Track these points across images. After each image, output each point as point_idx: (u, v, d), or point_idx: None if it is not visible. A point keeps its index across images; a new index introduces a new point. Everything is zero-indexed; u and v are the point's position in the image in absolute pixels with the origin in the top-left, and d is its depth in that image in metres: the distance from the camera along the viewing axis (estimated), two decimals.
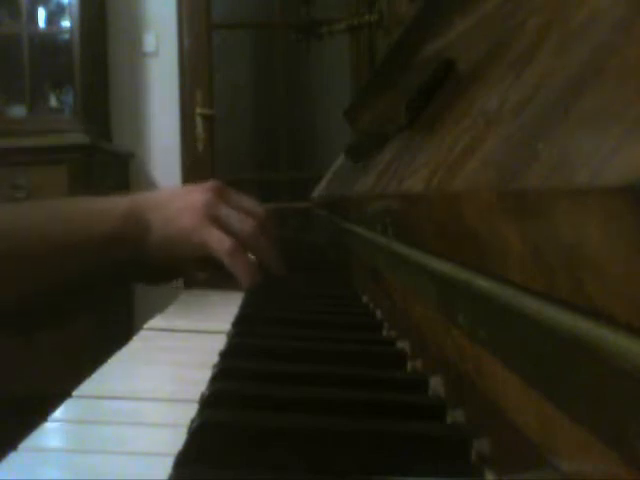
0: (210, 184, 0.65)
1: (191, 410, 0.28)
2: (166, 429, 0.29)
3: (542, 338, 0.18)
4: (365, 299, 0.56)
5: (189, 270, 0.68)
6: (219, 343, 0.39)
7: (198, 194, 0.64)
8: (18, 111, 2.64)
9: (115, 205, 0.64)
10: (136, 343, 0.44)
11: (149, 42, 2.86)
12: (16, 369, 2.06)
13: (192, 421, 0.26)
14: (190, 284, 0.70)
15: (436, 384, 0.31)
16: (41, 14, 2.70)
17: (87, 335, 2.24)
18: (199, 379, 0.32)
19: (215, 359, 0.35)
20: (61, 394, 0.31)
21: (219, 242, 0.61)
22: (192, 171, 2.88)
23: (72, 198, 0.73)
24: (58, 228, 0.62)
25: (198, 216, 0.62)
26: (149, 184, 2.90)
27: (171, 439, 0.26)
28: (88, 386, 0.33)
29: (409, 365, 0.36)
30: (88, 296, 0.71)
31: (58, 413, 0.29)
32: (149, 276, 0.70)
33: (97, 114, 2.70)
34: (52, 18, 2.74)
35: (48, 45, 2.73)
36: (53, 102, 2.73)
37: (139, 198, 0.65)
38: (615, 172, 0.15)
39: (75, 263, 0.62)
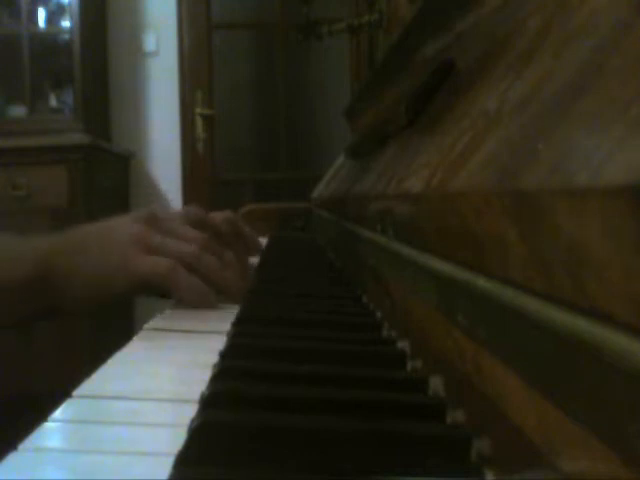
0: (139, 215, 0.59)
1: (191, 410, 0.28)
2: (166, 429, 0.29)
3: (542, 338, 0.18)
4: (365, 299, 0.56)
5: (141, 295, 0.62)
6: (219, 343, 0.39)
7: (125, 227, 0.58)
8: (18, 111, 2.64)
9: (34, 247, 0.60)
10: (136, 343, 0.44)
11: (149, 42, 2.86)
12: (16, 369, 2.06)
13: (192, 421, 0.26)
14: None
15: (436, 384, 0.31)
16: (41, 14, 2.70)
17: (87, 335, 2.24)
18: (199, 379, 0.32)
19: (215, 359, 0.35)
20: (61, 394, 0.31)
21: (154, 266, 0.54)
22: (192, 171, 2.89)
23: None
24: None
25: (127, 249, 0.56)
26: (149, 184, 2.90)
27: (171, 439, 0.26)
28: (88, 386, 0.33)
29: (409, 365, 0.36)
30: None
31: (58, 413, 0.29)
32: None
33: (97, 114, 2.70)
34: (52, 18, 2.74)
35: (48, 45, 2.73)
36: (53, 102, 2.73)
37: (56, 242, 0.60)
38: (615, 172, 0.15)
39: None
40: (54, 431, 0.28)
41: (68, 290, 0.57)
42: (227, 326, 0.44)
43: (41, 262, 0.57)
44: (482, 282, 0.24)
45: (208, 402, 0.28)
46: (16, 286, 0.58)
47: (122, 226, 0.58)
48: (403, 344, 0.39)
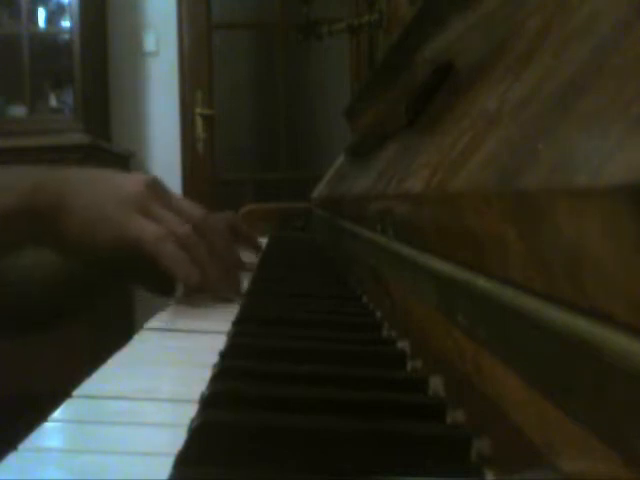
0: (144, 178, 0.57)
1: (191, 410, 0.28)
2: (166, 429, 0.29)
3: (542, 338, 0.18)
4: (365, 299, 0.56)
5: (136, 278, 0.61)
6: (219, 343, 0.39)
7: (129, 186, 0.56)
8: (18, 111, 2.64)
9: (25, 176, 0.58)
10: (136, 343, 0.44)
11: (149, 42, 2.86)
12: (16, 369, 2.06)
13: (192, 421, 0.26)
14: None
15: (436, 384, 0.31)
16: (41, 14, 2.70)
17: (87, 335, 2.24)
18: (199, 379, 0.32)
19: (215, 359, 0.35)
20: (61, 394, 0.31)
21: (142, 230, 0.52)
22: (192, 171, 2.89)
23: None
24: None
25: (126, 208, 0.54)
26: None
27: (171, 439, 0.26)
28: (88, 386, 0.33)
29: (409, 365, 0.36)
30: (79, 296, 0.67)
31: (58, 413, 0.29)
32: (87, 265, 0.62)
33: (97, 114, 2.70)
34: (52, 18, 2.74)
35: (48, 45, 2.73)
36: (53, 102, 2.73)
37: (56, 174, 0.59)
38: (615, 172, 0.15)
39: None
40: (54, 431, 0.28)
41: (61, 219, 0.55)
42: (227, 326, 0.44)
43: (39, 190, 0.56)
44: (482, 282, 0.24)
45: (208, 402, 0.28)
46: (3, 213, 0.56)
47: (126, 182, 0.57)
48: (403, 344, 0.39)
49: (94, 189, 0.56)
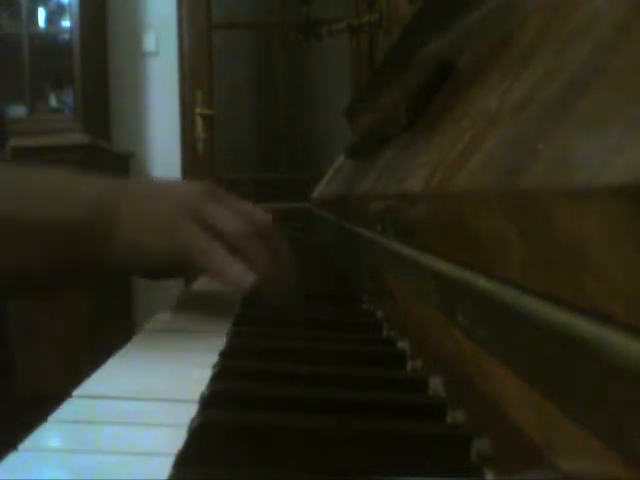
0: (203, 183, 0.54)
1: (191, 410, 0.28)
2: (166, 429, 0.29)
3: (542, 338, 0.18)
4: (365, 299, 0.56)
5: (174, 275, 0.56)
6: (219, 343, 0.39)
7: (183, 189, 0.53)
8: (18, 111, 2.64)
9: (87, 189, 0.53)
10: (136, 343, 0.44)
11: (149, 42, 2.86)
12: (16, 369, 2.06)
13: (192, 421, 0.26)
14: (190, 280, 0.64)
15: (436, 384, 0.31)
16: (41, 14, 2.70)
17: (87, 334, 2.24)
18: (199, 379, 0.32)
19: (215, 359, 0.35)
20: (61, 394, 0.31)
21: (193, 240, 0.49)
22: (192, 171, 2.88)
23: (28, 167, 0.57)
24: (12, 207, 0.51)
25: (175, 210, 0.51)
26: None
27: (171, 439, 0.26)
28: (88, 386, 0.33)
29: (409, 365, 0.36)
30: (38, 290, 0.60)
31: (58, 413, 0.29)
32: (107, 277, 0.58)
33: (97, 114, 2.70)
34: (52, 18, 2.74)
35: (48, 45, 2.73)
36: (53, 102, 2.73)
37: (115, 186, 0.54)
38: (615, 172, 0.15)
39: (27, 251, 0.51)
40: (54, 431, 0.28)
41: (113, 239, 0.51)
42: (227, 326, 0.44)
43: (95, 206, 0.52)
44: (482, 282, 0.24)
45: (208, 402, 0.28)
46: (61, 228, 0.51)
47: (180, 190, 0.54)
48: (403, 344, 0.39)
49: (150, 202, 0.53)
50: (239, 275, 0.48)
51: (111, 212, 0.51)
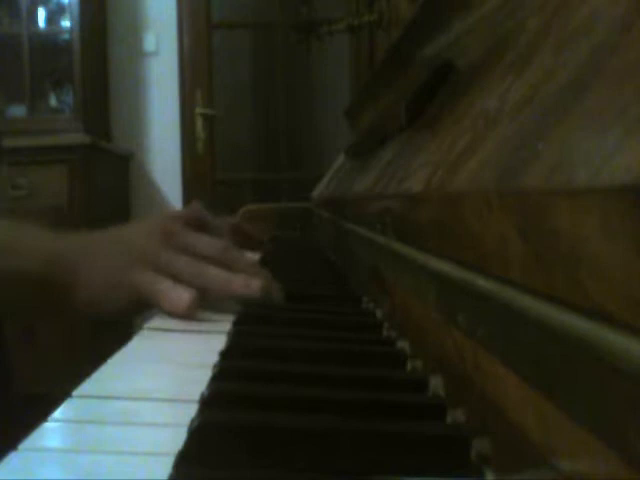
0: (156, 226, 0.56)
1: (191, 410, 0.28)
2: (166, 429, 0.29)
3: (542, 338, 0.18)
4: (365, 299, 0.56)
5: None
6: (219, 343, 0.39)
7: (138, 240, 0.56)
8: (18, 111, 2.64)
9: (46, 245, 0.57)
10: (136, 343, 0.44)
11: (149, 42, 2.86)
12: (16, 369, 2.06)
13: (192, 421, 0.26)
14: None
15: (436, 384, 0.31)
16: (41, 14, 2.70)
17: (87, 335, 2.24)
18: (199, 379, 0.32)
19: (215, 359, 0.35)
20: (61, 394, 0.31)
21: (151, 284, 0.51)
22: (192, 171, 2.89)
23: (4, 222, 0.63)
24: None
25: (134, 263, 0.53)
26: (149, 184, 2.90)
27: (171, 439, 0.26)
28: (88, 386, 0.33)
29: (409, 365, 0.36)
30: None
31: (58, 413, 0.29)
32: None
33: (97, 114, 2.70)
34: (52, 18, 2.74)
35: (48, 45, 2.73)
36: (53, 102, 2.73)
37: (70, 242, 0.58)
38: (615, 172, 0.15)
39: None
40: (54, 431, 0.28)
41: (72, 294, 0.55)
42: (227, 326, 0.44)
43: (52, 261, 0.55)
44: (482, 282, 0.24)
45: (208, 402, 0.28)
46: (14, 279, 0.56)
47: (135, 238, 0.56)
48: (403, 344, 0.39)
49: (105, 259, 0.56)
50: (188, 305, 0.50)
51: (68, 269, 0.55)
